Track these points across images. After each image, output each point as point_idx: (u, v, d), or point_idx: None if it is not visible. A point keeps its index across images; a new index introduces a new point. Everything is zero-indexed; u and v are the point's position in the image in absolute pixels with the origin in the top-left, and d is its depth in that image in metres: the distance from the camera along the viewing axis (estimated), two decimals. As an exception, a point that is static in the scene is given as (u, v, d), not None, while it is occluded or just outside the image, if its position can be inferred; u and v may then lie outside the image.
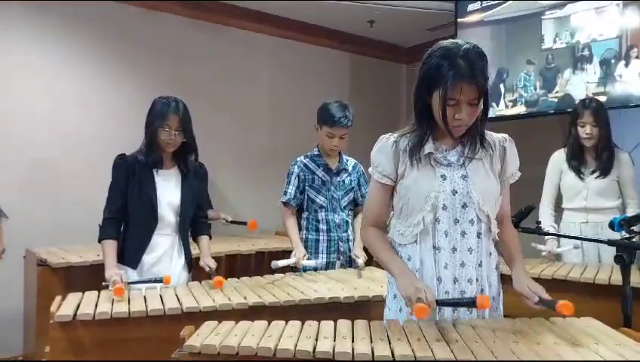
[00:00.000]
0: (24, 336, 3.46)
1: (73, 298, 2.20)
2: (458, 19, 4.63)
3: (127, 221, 2.63)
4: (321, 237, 3.10)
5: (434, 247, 1.76)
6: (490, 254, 1.82)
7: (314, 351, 1.48)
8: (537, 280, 2.61)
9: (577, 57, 3.90)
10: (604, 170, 3.21)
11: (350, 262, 3.11)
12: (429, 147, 1.77)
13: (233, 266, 3.64)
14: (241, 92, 5.16)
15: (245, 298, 2.26)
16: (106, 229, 2.55)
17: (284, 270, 2.83)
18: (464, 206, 1.76)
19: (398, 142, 1.80)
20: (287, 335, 1.59)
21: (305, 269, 2.92)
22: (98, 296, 2.23)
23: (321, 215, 3.11)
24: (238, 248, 3.69)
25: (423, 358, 1.43)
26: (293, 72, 5.50)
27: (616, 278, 2.55)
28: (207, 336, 1.59)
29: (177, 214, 2.66)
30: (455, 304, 1.72)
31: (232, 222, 4.28)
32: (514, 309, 1.94)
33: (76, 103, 4.23)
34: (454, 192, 1.75)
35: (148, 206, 2.58)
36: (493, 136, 1.85)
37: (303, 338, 1.57)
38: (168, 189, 2.65)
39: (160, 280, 2.40)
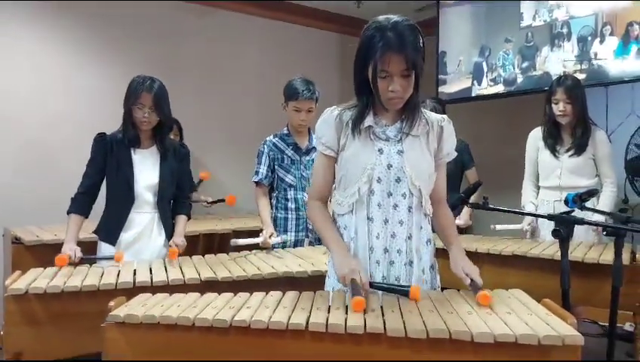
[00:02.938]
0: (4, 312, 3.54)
1: (32, 273, 2.26)
2: (440, -1, 4.62)
3: (107, 198, 2.70)
4: (289, 216, 3.15)
5: (368, 218, 1.81)
6: (422, 228, 1.86)
7: (231, 320, 1.53)
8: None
9: (555, 34, 3.87)
10: (579, 147, 3.19)
11: (319, 240, 3.15)
12: (369, 120, 1.82)
13: (211, 245, 3.70)
14: (228, 73, 5.20)
15: (199, 273, 2.31)
16: (75, 203, 2.62)
17: (250, 248, 2.87)
18: (398, 180, 1.80)
19: (341, 115, 1.85)
20: (212, 306, 1.64)
21: (274, 247, 2.96)
22: (57, 272, 2.29)
23: (290, 193, 3.15)
24: (215, 227, 3.74)
25: (334, 325, 1.47)
26: (281, 53, 5.51)
27: (575, 255, 2.61)
28: (134, 307, 1.64)
29: (155, 193, 2.71)
30: (388, 289, 1.73)
31: (212, 202, 4.34)
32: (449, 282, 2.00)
33: (63, 84, 4.31)
34: (389, 166, 1.80)
35: (124, 184, 2.64)
36: (432, 116, 1.90)
37: (226, 308, 1.62)
38: (146, 168, 2.70)
39: (111, 258, 2.46)
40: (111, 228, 2.66)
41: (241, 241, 2.79)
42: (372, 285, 1.70)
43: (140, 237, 2.69)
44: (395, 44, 1.66)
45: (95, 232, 2.71)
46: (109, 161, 2.65)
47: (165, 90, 2.68)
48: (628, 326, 3.63)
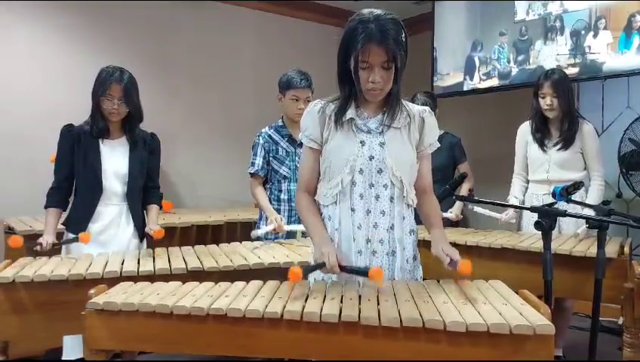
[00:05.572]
0: None
1: (21, 262, 2.28)
2: (436, -8, 4.61)
3: (75, 190, 2.71)
4: (282, 207, 3.16)
5: (351, 209, 1.84)
6: (404, 218, 1.88)
7: (208, 308, 1.54)
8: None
9: (548, 28, 3.87)
10: (566, 141, 3.18)
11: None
12: (351, 112, 1.85)
13: (204, 236, 3.71)
14: (224, 67, 5.19)
15: (186, 263, 2.33)
16: (50, 198, 2.65)
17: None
18: (379, 171, 1.83)
19: (325, 108, 1.89)
20: (192, 294, 1.66)
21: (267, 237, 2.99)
22: (46, 261, 2.31)
23: (284, 185, 3.16)
24: (208, 219, 3.76)
25: (310, 314, 1.49)
26: (279, 46, 5.50)
27: (563, 248, 2.63)
28: (114, 295, 1.66)
29: (124, 183, 2.70)
30: (353, 271, 1.75)
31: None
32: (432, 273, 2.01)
33: (58, 77, 4.31)
34: (371, 158, 1.83)
35: (92, 175, 2.64)
36: (413, 108, 1.93)
37: (205, 296, 1.64)
38: (115, 159, 2.69)
39: (76, 240, 2.50)
40: (78, 220, 2.66)
41: (261, 231, 2.88)
42: (342, 268, 1.72)
43: (107, 229, 2.68)
44: (376, 35, 1.70)
45: (64, 224, 2.71)
46: (76, 153, 2.64)
47: (135, 81, 2.67)
48: (621, 320, 3.63)
